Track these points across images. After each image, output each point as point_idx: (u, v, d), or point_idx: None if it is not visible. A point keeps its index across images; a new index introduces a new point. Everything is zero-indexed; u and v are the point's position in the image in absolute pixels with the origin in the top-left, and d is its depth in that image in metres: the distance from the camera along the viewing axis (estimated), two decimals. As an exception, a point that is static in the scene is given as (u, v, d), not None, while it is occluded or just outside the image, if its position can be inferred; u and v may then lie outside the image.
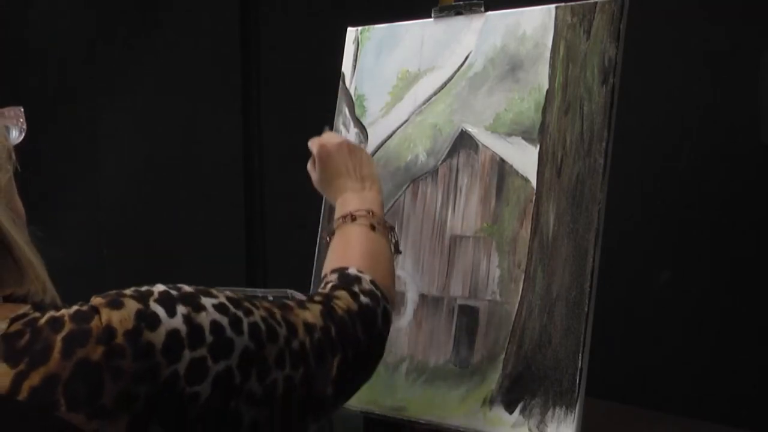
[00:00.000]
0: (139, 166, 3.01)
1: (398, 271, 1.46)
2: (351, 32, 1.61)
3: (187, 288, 0.90)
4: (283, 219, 2.83)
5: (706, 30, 1.98)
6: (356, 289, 1.09)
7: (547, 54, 1.36)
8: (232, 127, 2.91)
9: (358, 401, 1.44)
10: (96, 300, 0.85)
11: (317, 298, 1.05)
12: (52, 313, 0.83)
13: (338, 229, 1.25)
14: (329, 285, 1.10)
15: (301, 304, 1.01)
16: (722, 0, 1.96)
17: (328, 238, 1.27)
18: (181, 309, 0.85)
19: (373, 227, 1.23)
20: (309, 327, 0.98)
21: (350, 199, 1.29)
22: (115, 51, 3.03)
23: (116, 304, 0.83)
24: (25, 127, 1.02)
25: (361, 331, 1.04)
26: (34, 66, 3.10)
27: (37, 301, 0.88)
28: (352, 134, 1.56)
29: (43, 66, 3.09)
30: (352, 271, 1.12)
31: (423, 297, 1.42)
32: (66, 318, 0.82)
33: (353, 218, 1.25)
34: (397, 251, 1.29)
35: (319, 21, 2.74)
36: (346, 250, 1.20)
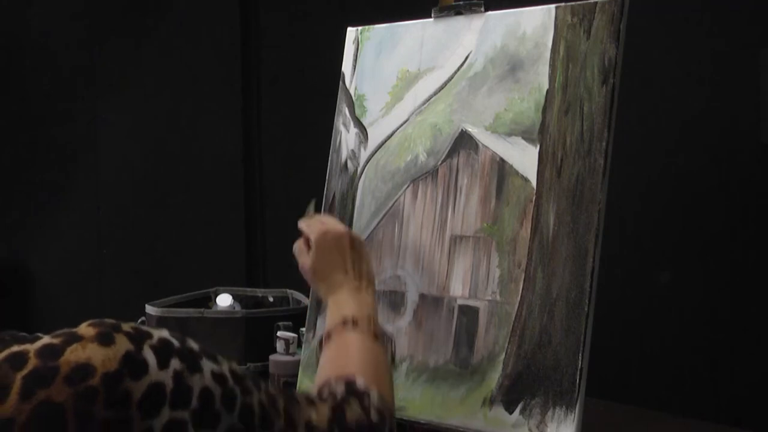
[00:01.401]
0: (139, 166, 3.02)
1: (398, 271, 1.46)
2: (351, 32, 1.61)
3: (192, 344, 0.84)
4: (283, 219, 2.83)
5: (706, 30, 1.98)
6: (367, 403, 1.01)
7: (547, 54, 1.36)
8: (232, 127, 2.91)
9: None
10: (87, 329, 0.79)
11: (329, 402, 0.98)
12: (14, 347, 0.77)
13: (337, 334, 1.15)
14: (339, 393, 1.02)
15: (310, 402, 0.95)
16: (722, 0, 1.96)
17: (324, 341, 1.17)
18: (175, 363, 0.79)
19: (375, 337, 1.15)
20: (311, 428, 0.91)
21: (347, 301, 1.20)
22: (115, 51, 3.03)
23: (106, 340, 0.77)
24: None
25: None
26: (34, 66, 3.10)
27: (5, 333, 0.81)
28: (352, 134, 1.56)
29: (43, 66, 3.09)
30: (360, 383, 1.04)
31: (423, 297, 1.42)
32: (31, 353, 0.76)
33: (354, 324, 1.16)
34: (393, 362, 1.20)
35: (319, 21, 2.74)
36: (348, 359, 1.11)
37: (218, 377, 0.83)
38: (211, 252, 2.90)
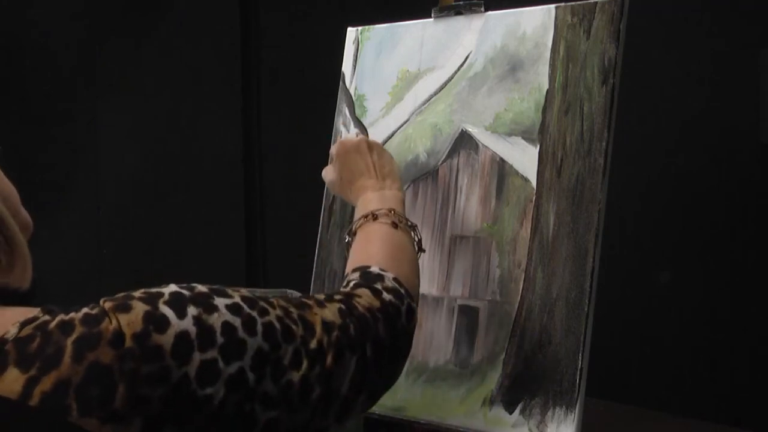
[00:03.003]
0: (139, 166, 3.01)
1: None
2: (351, 32, 1.61)
3: (200, 288, 0.88)
4: (283, 219, 2.83)
5: (706, 30, 1.98)
6: (378, 286, 1.07)
7: (547, 54, 1.36)
8: (232, 127, 2.91)
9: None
10: (105, 303, 0.84)
11: (337, 297, 1.02)
12: (62, 316, 0.82)
13: (360, 228, 1.23)
14: (351, 283, 1.08)
15: (320, 303, 0.99)
16: (722, 0, 1.96)
17: (349, 239, 1.25)
18: (191, 310, 0.84)
19: (395, 225, 1.21)
20: (327, 325, 0.96)
21: (371, 199, 1.26)
22: (115, 51, 3.03)
23: (124, 308, 0.82)
24: None
25: (383, 328, 1.02)
26: (34, 66, 3.10)
27: (47, 306, 0.86)
28: (352, 134, 1.56)
29: (43, 66, 3.09)
30: (374, 269, 1.10)
31: (423, 297, 1.42)
32: (76, 321, 0.81)
33: (375, 217, 1.22)
34: (421, 249, 1.26)
35: (319, 21, 2.74)
36: (367, 249, 1.17)
37: (233, 308, 0.88)
38: (211, 252, 2.90)
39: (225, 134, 2.92)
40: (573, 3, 1.35)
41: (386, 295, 1.05)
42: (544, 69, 1.36)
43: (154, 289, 0.86)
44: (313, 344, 0.93)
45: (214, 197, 2.93)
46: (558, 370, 1.26)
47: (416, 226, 1.26)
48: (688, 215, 2.00)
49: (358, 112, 1.57)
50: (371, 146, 1.32)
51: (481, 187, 1.39)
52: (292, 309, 0.95)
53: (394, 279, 1.09)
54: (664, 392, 2.00)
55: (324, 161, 1.60)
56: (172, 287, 0.87)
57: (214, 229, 2.92)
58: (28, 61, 3.11)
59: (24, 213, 0.98)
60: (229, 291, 0.90)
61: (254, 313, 0.89)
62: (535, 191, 1.33)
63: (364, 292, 1.05)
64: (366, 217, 1.23)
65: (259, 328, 0.88)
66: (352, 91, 1.58)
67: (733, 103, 1.94)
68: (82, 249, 3.05)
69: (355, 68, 1.59)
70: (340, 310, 0.99)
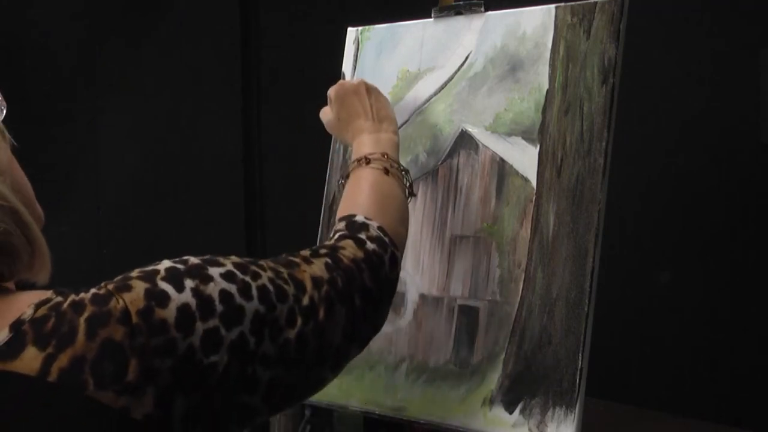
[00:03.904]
0: (139, 166, 3.01)
1: (398, 271, 1.46)
2: (351, 32, 1.61)
3: (193, 260, 0.91)
4: (283, 219, 2.83)
5: (706, 30, 1.98)
6: (363, 236, 1.09)
7: (547, 54, 1.36)
8: (232, 127, 2.91)
9: (358, 401, 1.44)
10: (107, 286, 0.87)
11: (322, 251, 1.05)
12: (73, 297, 0.85)
13: (352, 172, 1.24)
14: (337, 234, 1.11)
15: (307, 260, 1.02)
16: (722, 0, 1.96)
17: (342, 182, 1.26)
18: (188, 283, 0.87)
19: (386, 171, 1.23)
20: (316, 281, 0.99)
21: (366, 142, 1.28)
22: (115, 51, 3.03)
23: (125, 288, 0.85)
24: (4, 104, 1.01)
25: (368, 278, 1.05)
26: (34, 66, 3.10)
27: (59, 288, 0.89)
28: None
29: (43, 66, 3.08)
30: (360, 218, 1.12)
31: (423, 297, 1.42)
32: (86, 301, 0.84)
33: (367, 161, 1.23)
34: (411, 194, 1.27)
35: (319, 21, 2.74)
36: (356, 196, 1.19)
37: (228, 276, 0.90)
38: (211, 252, 2.90)
39: (225, 134, 2.92)
40: (573, 3, 1.35)
41: (370, 245, 1.08)
42: (544, 69, 1.36)
43: (149, 267, 0.89)
44: (305, 301, 0.96)
45: (214, 197, 2.93)
46: (558, 370, 1.26)
47: (408, 171, 1.28)
48: (688, 215, 2.00)
49: (358, 112, 1.56)
50: (369, 89, 1.34)
51: (481, 187, 1.39)
52: (281, 269, 0.97)
53: (379, 228, 1.12)
54: (664, 392, 2.00)
55: (324, 161, 1.60)
56: (166, 263, 0.90)
57: (214, 229, 2.92)
58: (28, 61, 3.11)
59: (38, 207, 1.01)
60: (221, 260, 0.93)
61: (248, 278, 0.92)
62: (535, 191, 1.33)
63: (348, 243, 1.07)
64: (359, 161, 1.24)
65: (254, 292, 0.91)
66: (352, 91, 1.58)
67: (733, 103, 1.94)
68: (82, 249, 3.05)
69: (355, 68, 1.59)
70: (326, 264, 1.02)
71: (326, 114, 1.38)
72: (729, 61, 1.95)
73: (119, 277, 0.88)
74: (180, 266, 0.89)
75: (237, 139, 2.91)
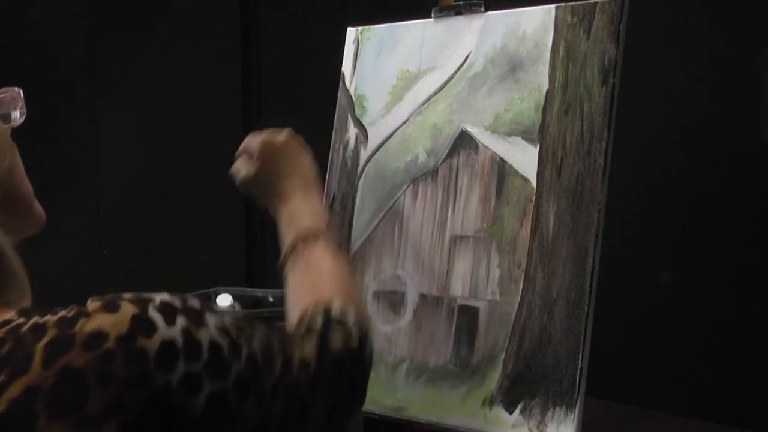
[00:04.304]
0: (139, 166, 3.01)
1: (398, 271, 1.46)
2: (351, 32, 1.61)
3: (194, 302, 0.87)
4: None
5: (706, 30, 1.98)
6: (348, 330, 1.03)
7: (547, 54, 1.36)
8: (232, 127, 2.91)
9: (358, 401, 1.44)
10: (92, 304, 0.82)
11: (313, 333, 1.00)
12: (36, 319, 0.80)
13: (301, 250, 1.15)
14: (319, 323, 1.03)
15: (297, 339, 0.98)
16: (722, 0, 1.96)
17: (284, 258, 1.17)
18: (181, 321, 0.82)
19: (339, 245, 1.17)
20: (304, 363, 0.95)
21: (301, 210, 1.20)
22: (115, 51, 3.02)
23: (112, 308, 0.81)
24: (24, 109, 1.00)
25: (352, 363, 1.02)
26: (34, 66, 3.10)
27: (24, 308, 0.85)
28: (352, 134, 1.56)
29: (43, 66, 3.08)
30: (337, 308, 1.05)
31: (423, 297, 1.42)
32: (50, 324, 0.79)
33: (316, 237, 1.16)
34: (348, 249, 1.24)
35: (319, 21, 2.74)
36: (320, 280, 1.12)
37: (222, 330, 0.86)
38: (211, 252, 2.90)
39: (225, 134, 2.91)
40: (573, 3, 1.35)
41: (355, 341, 1.02)
42: (544, 69, 1.36)
43: (145, 294, 0.84)
44: (290, 379, 0.92)
45: (214, 197, 2.93)
46: (558, 370, 1.25)
47: (342, 232, 1.23)
48: (688, 215, 2.00)
49: (358, 112, 1.56)
50: (300, 146, 1.26)
51: (481, 187, 1.39)
52: (275, 341, 0.93)
53: (357, 316, 1.05)
54: (664, 392, 2.00)
55: (324, 161, 1.60)
56: (165, 295, 0.85)
57: (214, 229, 2.92)
58: (28, 61, 3.11)
59: (37, 208, 0.98)
60: (220, 311, 0.89)
61: (240, 340, 0.87)
62: (535, 191, 1.33)
63: (335, 333, 1.01)
64: (306, 238, 1.16)
65: (244, 353, 0.87)
66: (352, 91, 1.58)
67: (733, 103, 1.94)
68: (82, 249, 3.05)
69: (355, 68, 1.59)
70: (315, 351, 0.97)
71: (242, 168, 1.27)
72: (729, 61, 1.95)
73: (110, 295, 0.83)
74: (177, 302, 0.85)
75: (237, 139, 2.91)
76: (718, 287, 1.96)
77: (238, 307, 1.99)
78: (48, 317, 0.80)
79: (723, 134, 1.96)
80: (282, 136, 1.27)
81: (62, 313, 0.81)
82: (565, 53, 1.34)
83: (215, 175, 2.92)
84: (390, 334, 1.43)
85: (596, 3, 1.32)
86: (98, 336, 0.78)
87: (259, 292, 2.13)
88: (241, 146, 1.29)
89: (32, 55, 3.10)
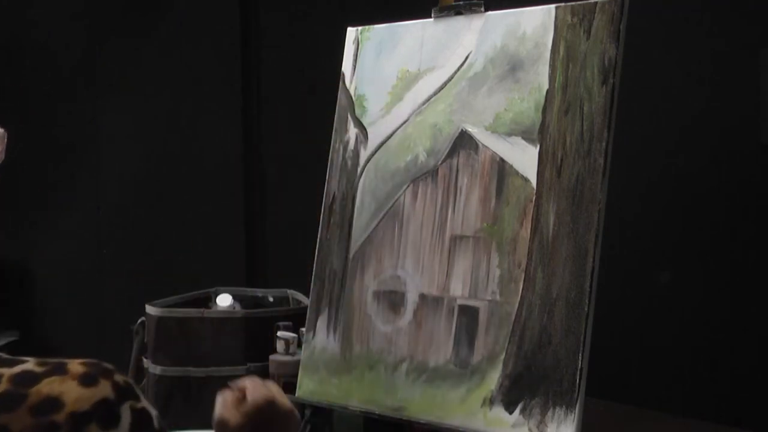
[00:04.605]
0: (139, 166, 3.01)
1: (398, 271, 1.46)
2: (351, 32, 1.61)
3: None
4: (283, 219, 2.83)
5: (706, 30, 1.98)
6: None
7: (547, 54, 1.36)
8: (232, 127, 2.91)
9: (358, 401, 1.44)
10: (76, 367, 0.75)
11: None
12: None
13: None
14: None
15: None
16: (722, 0, 1.96)
17: None
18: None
19: None
20: None
21: None
22: (115, 51, 3.03)
23: (89, 381, 0.74)
24: (3, 155, 0.97)
25: None
26: (34, 66, 3.10)
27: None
28: (352, 134, 1.56)
29: (43, 66, 3.09)
30: None
31: (423, 297, 1.42)
32: (5, 377, 0.74)
33: None
34: None
35: (319, 21, 2.74)
36: None
37: None
38: (211, 252, 2.90)
39: (225, 134, 2.92)
40: (573, 3, 1.35)
41: None
42: (544, 69, 1.36)
43: (138, 390, 0.77)
44: None
45: (214, 197, 2.93)
46: (558, 370, 1.25)
47: None
48: (688, 215, 2.00)
49: (358, 112, 1.56)
50: (296, 422, 1.13)
51: (481, 187, 1.39)
52: None
53: None
54: (664, 392, 2.00)
55: (324, 161, 1.60)
56: (153, 410, 0.77)
57: (214, 229, 2.92)
58: (28, 61, 3.11)
59: None
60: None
61: None
62: (535, 191, 1.33)
63: None
64: None
65: None
66: (352, 91, 1.58)
67: (733, 103, 1.94)
68: (82, 249, 3.05)
69: (355, 68, 1.59)
70: None
71: (228, 407, 1.10)
72: (729, 61, 1.95)
73: (106, 366, 0.75)
74: (156, 424, 0.76)
75: (237, 139, 2.91)
76: (718, 287, 1.96)
77: (238, 307, 2.00)
78: (4, 369, 0.73)
79: (723, 134, 1.96)
80: (286, 404, 1.13)
81: (29, 366, 0.74)
82: (565, 53, 1.34)
83: (215, 175, 2.93)
84: (390, 334, 1.43)
85: (596, 3, 1.32)
86: (53, 403, 0.72)
87: (259, 292, 2.13)
88: (240, 385, 1.13)
89: (32, 55, 3.10)
